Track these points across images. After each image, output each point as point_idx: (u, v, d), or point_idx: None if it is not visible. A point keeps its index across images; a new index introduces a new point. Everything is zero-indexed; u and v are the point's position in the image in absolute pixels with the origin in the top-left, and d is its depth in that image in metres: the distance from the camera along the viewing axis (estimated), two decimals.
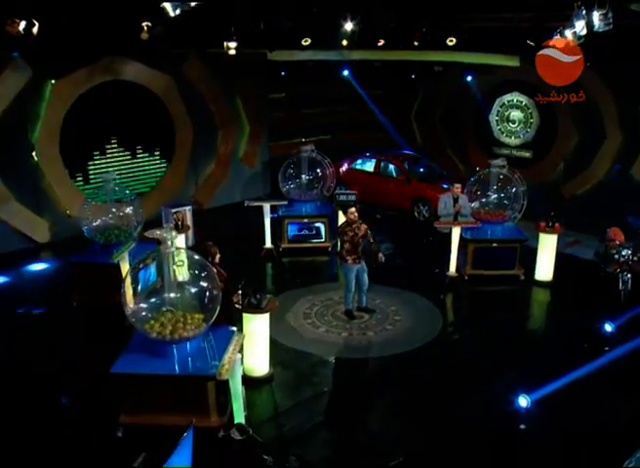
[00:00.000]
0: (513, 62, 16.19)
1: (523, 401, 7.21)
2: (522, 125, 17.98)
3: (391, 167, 16.43)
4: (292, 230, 13.17)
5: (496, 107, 18.38)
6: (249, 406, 7.97)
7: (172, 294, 7.28)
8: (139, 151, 15.10)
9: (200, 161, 16.00)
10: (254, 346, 8.20)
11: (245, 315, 8.09)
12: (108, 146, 14.56)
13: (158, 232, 7.33)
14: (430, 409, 7.90)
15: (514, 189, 11.95)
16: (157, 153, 15.42)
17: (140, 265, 7.76)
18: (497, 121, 18.45)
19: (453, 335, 10.05)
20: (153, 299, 7.55)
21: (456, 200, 11.66)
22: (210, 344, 7.25)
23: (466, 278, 11.68)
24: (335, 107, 19.51)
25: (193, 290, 7.35)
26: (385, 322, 10.13)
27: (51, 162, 13.61)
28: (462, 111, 18.97)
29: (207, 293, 7.41)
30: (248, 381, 8.25)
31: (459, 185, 11.70)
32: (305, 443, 7.19)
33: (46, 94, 13.36)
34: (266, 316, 8.15)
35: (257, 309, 8.03)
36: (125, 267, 9.79)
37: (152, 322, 7.38)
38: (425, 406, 7.96)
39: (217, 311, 7.39)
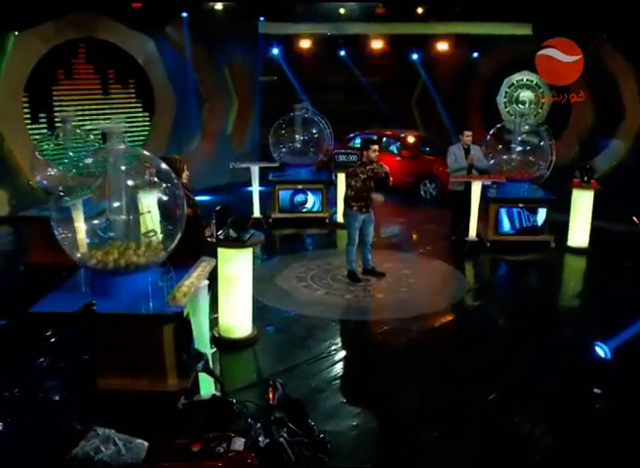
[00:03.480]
0: (525, 31, 14.41)
1: (600, 351, 5.05)
2: (533, 106, 16.00)
3: (395, 143, 14.39)
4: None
5: (504, 88, 16.41)
6: (224, 371, 5.81)
7: (117, 205, 5.13)
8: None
9: (183, 135, 13.89)
10: (231, 295, 6.01)
11: (220, 251, 5.93)
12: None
13: (105, 125, 5.25)
14: (466, 374, 5.71)
15: (541, 143, 9.93)
16: (137, 125, 13.33)
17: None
18: (505, 103, 16.47)
19: (480, 299, 7.87)
20: (96, 221, 5.45)
21: (467, 151, 9.57)
22: (171, 283, 5.08)
23: (488, 245, 9.54)
24: (330, 94, 17.54)
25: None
26: (398, 284, 7.95)
27: (12, 125, 11.49)
28: (467, 94, 17.08)
29: (169, 211, 5.31)
30: (224, 344, 6.11)
31: (469, 133, 9.53)
32: None
33: (8, 47, 11.34)
34: (249, 253, 6.00)
35: (236, 243, 5.88)
36: (79, 217, 7.66)
37: (94, 251, 5.27)
38: (460, 371, 5.76)
39: (178, 237, 5.27)
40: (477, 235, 9.49)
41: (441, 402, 5.22)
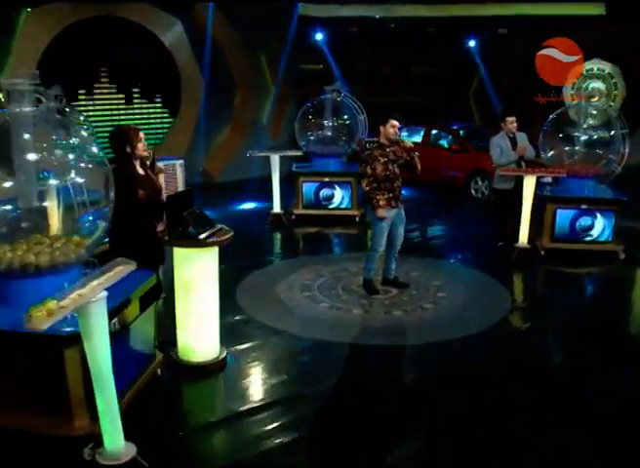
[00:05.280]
0: (598, 11, 12.46)
1: None
2: (603, 99, 13.92)
3: (444, 136, 12.71)
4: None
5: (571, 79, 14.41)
6: (171, 406, 4.38)
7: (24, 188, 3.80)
8: (137, 103, 11.85)
9: (212, 124, 12.60)
10: (191, 307, 4.57)
11: (176, 251, 4.50)
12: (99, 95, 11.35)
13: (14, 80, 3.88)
14: (499, 427, 4.08)
15: (612, 132, 8.10)
16: (159, 110, 12.13)
17: None
18: (572, 95, 14.45)
19: (526, 321, 6.15)
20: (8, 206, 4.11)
21: (512, 140, 7.85)
22: None
23: (543, 253, 7.79)
24: (379, 87, 15.90)
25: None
26: (423, 299, 6.33)
27: None
28: (530, 85, 15.11)
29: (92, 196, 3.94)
30: (181, 370, 4.69)
31: (512, 119, 7.83)
32: None
33: (19, 24, 10.33)
34: (213, 254, 4.53)
35: (193, 241, 4.43)
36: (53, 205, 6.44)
37: None
38: (490, 424, 4.13)
39: (100, 229, 3.90)
40: (529, 242, 7.75)
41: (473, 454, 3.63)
